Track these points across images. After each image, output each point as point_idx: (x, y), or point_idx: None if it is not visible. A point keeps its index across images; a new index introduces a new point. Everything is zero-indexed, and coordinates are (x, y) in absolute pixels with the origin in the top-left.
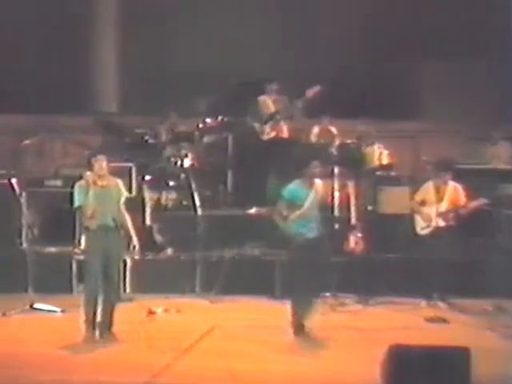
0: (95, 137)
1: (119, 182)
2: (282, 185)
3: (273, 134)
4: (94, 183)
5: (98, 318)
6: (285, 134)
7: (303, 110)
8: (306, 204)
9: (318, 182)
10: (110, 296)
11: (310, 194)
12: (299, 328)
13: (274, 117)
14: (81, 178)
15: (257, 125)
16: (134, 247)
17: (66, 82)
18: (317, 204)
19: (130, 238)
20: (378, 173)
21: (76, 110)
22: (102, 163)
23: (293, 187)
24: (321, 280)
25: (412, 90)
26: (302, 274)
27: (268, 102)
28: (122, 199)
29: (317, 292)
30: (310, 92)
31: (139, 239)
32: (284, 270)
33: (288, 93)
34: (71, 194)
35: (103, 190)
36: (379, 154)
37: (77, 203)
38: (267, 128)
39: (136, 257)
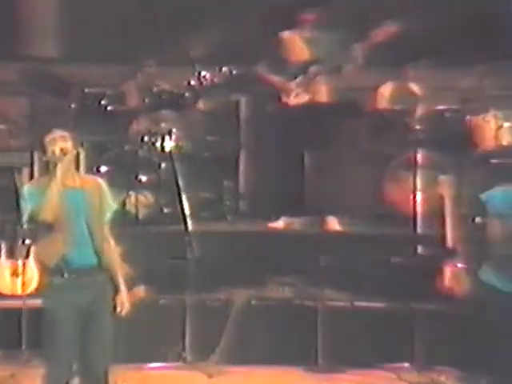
0: (18, 99)
1: (103, 183)
2: None
3: (305, 96)
4: (57, 180)
5: None
6: (324, 96)
7: (364, 59)
8: None
9: None
10: None
11: None
12: None
13: (307, 68)
14: None
15: (281, 80)
16: (121, 307)
17: None
18: None
19: (117, 290)
20: (495, 160)
21: None
22: (65, 145)
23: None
24: None
25: None
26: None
27: (298, 43)
28: (108, 214)
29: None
30: (378, 33)
31: None
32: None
33: (335, 29)
34: None
35: (75, 195)
36: (497, 129)
37: (30, 214)
38: (295, 86)
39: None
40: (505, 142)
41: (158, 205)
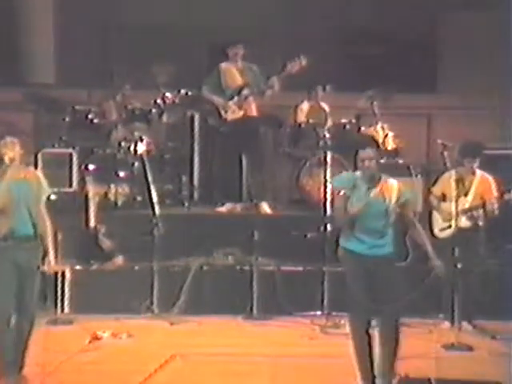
0: (25, 115)
1: (40, 175)
2: None
3: (240, 112)
4: (6, 174)
5: (7, 355)
6: (254, 112)
7: (281, 86)
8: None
9: (392, 182)
10: (23, 326)
11: (372, 192)
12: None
13: (240, 91)
14: None
15: (220, 100)
16: (48, 265)
17: None
18: (386, 212)
19: (46, 252)
20: (382, 160)
21: None
22: (13, 148)
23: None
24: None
25: (427, 56)
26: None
27: (233, 72)
28: (44, 198)
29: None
30: (293, 66)
31: (81, 245)
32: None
33: (262, 60)
34: None
35: (19, 185)
36: (383, 137)
37: None
38: (232, 105)
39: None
40: (389, 147)
41: (132, 194)
